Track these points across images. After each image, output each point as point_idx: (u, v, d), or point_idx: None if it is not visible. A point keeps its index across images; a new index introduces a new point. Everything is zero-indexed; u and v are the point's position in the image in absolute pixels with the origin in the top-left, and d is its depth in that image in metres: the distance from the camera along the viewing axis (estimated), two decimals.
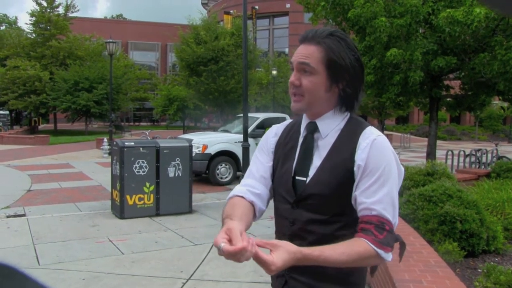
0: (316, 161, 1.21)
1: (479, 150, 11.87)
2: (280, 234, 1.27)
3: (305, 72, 1.18)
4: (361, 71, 1.22)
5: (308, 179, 1.21)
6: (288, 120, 1.40)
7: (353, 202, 1.17)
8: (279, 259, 0.96)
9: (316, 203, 1.19)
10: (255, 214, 1.24)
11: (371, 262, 1.13)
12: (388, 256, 1.11)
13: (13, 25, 41.31)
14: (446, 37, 7.54)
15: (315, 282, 1.20)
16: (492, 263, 3.76)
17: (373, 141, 1.16)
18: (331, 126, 1.22)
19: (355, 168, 1.15)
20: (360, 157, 1.15)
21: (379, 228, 1.10)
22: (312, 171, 1.21)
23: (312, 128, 1.25)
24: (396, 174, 1.16)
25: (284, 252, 0.97)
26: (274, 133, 1.36)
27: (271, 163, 1.31)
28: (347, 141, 1.19)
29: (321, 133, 1.23)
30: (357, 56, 1.20)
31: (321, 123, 1.23)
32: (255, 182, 1.28)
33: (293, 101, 1.23)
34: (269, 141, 1.35)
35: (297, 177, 1.24)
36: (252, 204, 1.22)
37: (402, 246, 1.27)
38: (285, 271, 1.21)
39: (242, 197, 1.22)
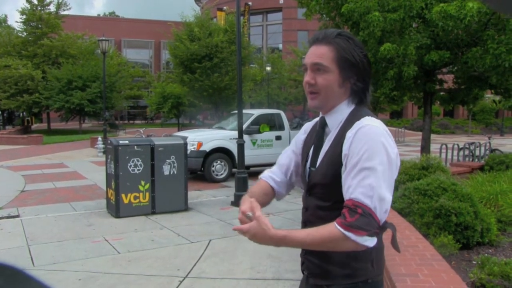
0: (322, 154, 1.34)
1: (472, 143, 11.95)
2: (302, 220, 1.44)
3: (318, 71, 1.29)
4: (369, 66, 1.33)
5: (315, 168, 1.34)
6: (317, 118, 1.49)
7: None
8: (247, 226, 1.17)
9: (320, 191, 1.32)
10: (275, 195, 1.52)
11: (343, 246, 1.14)
12: (365, 240, 1.13)
13: (3, 24, 40.80)
14: (439, 32, 7.56)
15: (324, 264, 1.32)
16: (486, 254, 3.80)
17: (357, 130, 1.22)
18: (337, 120, 1.33)
19: (342, 159, 1.24)
20: (345, 147, 1.24)
21: (351, 211, 1.14)
22: (318, 163, 1.34)
23: (323, 123, 1.38)
24: (381, 160, 1.17)
25: (256, 224, 1.16)
26: (304, 130, 1.53)
27: (297, 158, 1.49)
28: (342, 134, 1.28)
29: (329, 127, 1.35)
30: (365, 52, 1.32)
31: (329, 118, 1.35)
32: (278, 171, 1.51)
33: (309, 99, 1.34)
34: (299, 139, 1.52)
35: (311, 168, 1.38)
36: (272, 188, 1.49)
37: (393, 234, 1.33)
38: (302, 253, 1.41)
39: (266, 181, 1.49)
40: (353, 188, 1.16)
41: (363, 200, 1.14)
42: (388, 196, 1.18)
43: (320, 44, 1.29)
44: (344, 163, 1.22)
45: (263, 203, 1.42)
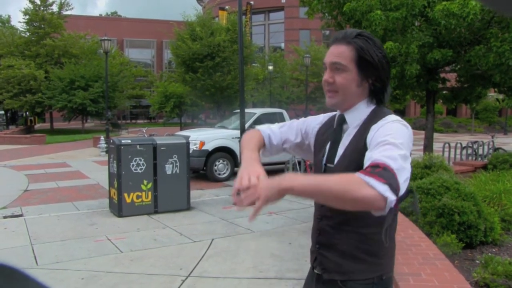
0: (341, 150, 1.35)
1: (475, 142, 11.90)
2: (314, 215, 1.44)
3: (337, 70, 1.31)
4: (388, 67, 1.34)
5: (334, 164, 1.35)
6: (333, 113, 1.49)
7: None
8: (260, 182, 1.10)
9: None
10: (261, 152, 1.50)
11: (361, 191, 1.02)
12: (386, 191, 1.01)
13: (6, 24, 40.92)
14: (442, 30, 7.53)
15: (339, 258, 1.33)
16: (489, 254, 3.78)
17: (385, 124, 1.24)
18: (357, 118, 1.34)
19: (367, 146, 1.23)
20: (369, 137, 1.24)
21: (373, 167, 1.07)
22: (337, 159, 1.34)
23: (341, 120, 1.39)
24: (403, 144, 1.14)
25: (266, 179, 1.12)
26: (319, 121, 1.52)
27: (303, 140, 1.51)
28: (363, 131, 1.29)
29: (348, 124, 1.36)
30: (384, 53, 1.33)
31: (348, 116, 1.36)
32: (279, 136, 1.51)
33: (327, 97, 1.35)
34: (313, 127, 1.51)
35: (327, 164, 1.38)
36: (264, 146, 1.49)
37: (414, 196, 1.32)
38: (316, 248, 1.41)
39: (263, 137, 1.49)
40: (375, 155, 1.11)
41: (385, 161, 1.08)
42: (409, 168, 1.13)
43: (340, 43, 1.31)
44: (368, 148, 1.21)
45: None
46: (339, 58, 1.29)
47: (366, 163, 1.13)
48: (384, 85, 1.33)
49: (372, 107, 1.34)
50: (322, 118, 1.52)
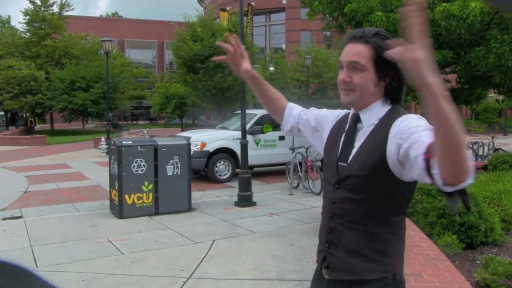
0: (355, 149, 1.34)
1: (475, 143, 11.90)
2: (324, 213, 1.43)
3: (355, 70, 1.29)
4: None
5: (348, 163, 1.34)
6: (347, 111, 1.49)
7: (395, 169, 1.19)
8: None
9: (352, 184, 1.31)
10: (282, 115, 1.62)
11: (466, 155, 0.96)
12: (472, 162, 0.98)
13: (6, 24, 40.96)
14: (442, 31, 7.54)
15: (349, 258, 1.32)
16: (490, 254, 3.79)
17: (409, 117, 1.22)
18: (372, 117, 1.33)
19: (387, 146, 1.21)
20: (393, 131, 1.21)
21: None
22: (351, 158, 1.33)
23: (356, 119, 1.37)
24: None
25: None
26: (336, 115, 1.52)
27: (315, 127, 1.55)
28: (382, 128, 1.28)
29: (363, 123, 1.35)
30: None
31: (363, 115, 1.35)
32: (299, 110, 1.60)
33: (343, 95, 1.34)
34: (331, 119, 1.51)
35: (339, 163, 1.37)
36: (284, 109, 1.61)
37: (467, 196, 1.26)
38: (325, 246, 1.39)
39: (286, 105, 1.61)
40: (428, 138, 1.05)
41: None
42: None
43: (357, 42, 1.30)
44: (394, 143, 1.18)
45: (273, 99, 1.60)
46: (358, 57, 1.27)
47: (417, 143, 1.08)
48: (400, 84, 1.32)
49: (388, 107, 1.33)
50: (338, 113, 1.52)
